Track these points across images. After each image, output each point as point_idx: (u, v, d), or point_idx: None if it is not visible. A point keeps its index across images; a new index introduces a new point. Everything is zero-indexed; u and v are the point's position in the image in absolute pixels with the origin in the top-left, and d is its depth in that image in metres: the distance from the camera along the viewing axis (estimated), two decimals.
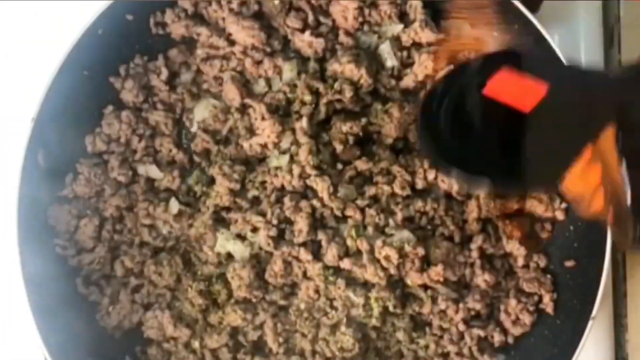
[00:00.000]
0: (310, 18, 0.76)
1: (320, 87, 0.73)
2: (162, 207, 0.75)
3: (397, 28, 0.75)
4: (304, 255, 0.71)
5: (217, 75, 0.77)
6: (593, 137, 0.50)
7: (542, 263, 0.74)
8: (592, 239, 0.69)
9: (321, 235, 0.71)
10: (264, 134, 0.72)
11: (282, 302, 0.73)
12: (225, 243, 0.74)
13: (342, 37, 0.76)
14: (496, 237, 0.74)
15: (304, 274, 0.72)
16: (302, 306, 0.73)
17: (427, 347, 0.73)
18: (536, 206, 0.74)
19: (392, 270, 0.70)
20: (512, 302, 0.72)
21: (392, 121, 0.72)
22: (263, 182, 0.73)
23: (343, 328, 0.72)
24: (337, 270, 0.71)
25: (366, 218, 0.71)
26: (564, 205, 0.74)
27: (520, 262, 0.73)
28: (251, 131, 0.74)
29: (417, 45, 0.75)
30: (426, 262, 0.71)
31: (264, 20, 0.77)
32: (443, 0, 0.74)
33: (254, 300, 0.73)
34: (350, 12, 0.74)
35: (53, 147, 0.73)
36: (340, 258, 0.70)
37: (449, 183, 0.72)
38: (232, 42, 0.76)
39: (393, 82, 0.74)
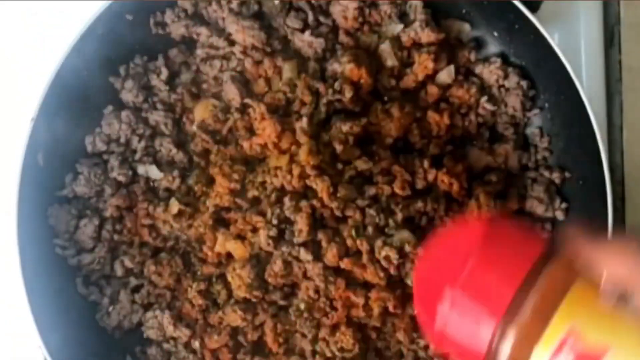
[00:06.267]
0: (310, 18, 0.76)
1: (320, 87, 0.73)
2: (162, 207, 0.75)
3: (397, 28, 0.75)
4: (304, 255, 0.70)
5: (217, 75, 0.77)
6: None
7: None
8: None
9: (321, 235, 0.70)
10: (264, 134, 0.72)
11: (282, 302, 0.73)
12: (225, 243, 0.73)
13: (342, 37, 0.76)
14: None
15: (304, 274, 0.72)
16: (302, 306, 0.72)
17: (427, 347, 0.73)
18: (536, 206, 0.74)
19: (392, 271, 0.70)
20: None
21: (392, 121, 0.72)
22: (263, 182, 0.73)
23: (343, 328, 0.72)
24: (337, 270, 0.71)
25: (366, 218, 0.71)
26: (564, 205, 0.74)
27: None
28: (251, 131, 0.74)
29: (417, 45, 0.75)
30: None
31: (264, 20, 0.77)
32: (444, 1, 0.74)
33: (253, 300, 0.73)
34: (350, 12, 0.74)
35: (52, 147, 0.73)
36: (340, 258, 0.70)
37: (449, 183, 0.72)
38: (232, 42, 0.76)
39: (393, 82, 0.74)
